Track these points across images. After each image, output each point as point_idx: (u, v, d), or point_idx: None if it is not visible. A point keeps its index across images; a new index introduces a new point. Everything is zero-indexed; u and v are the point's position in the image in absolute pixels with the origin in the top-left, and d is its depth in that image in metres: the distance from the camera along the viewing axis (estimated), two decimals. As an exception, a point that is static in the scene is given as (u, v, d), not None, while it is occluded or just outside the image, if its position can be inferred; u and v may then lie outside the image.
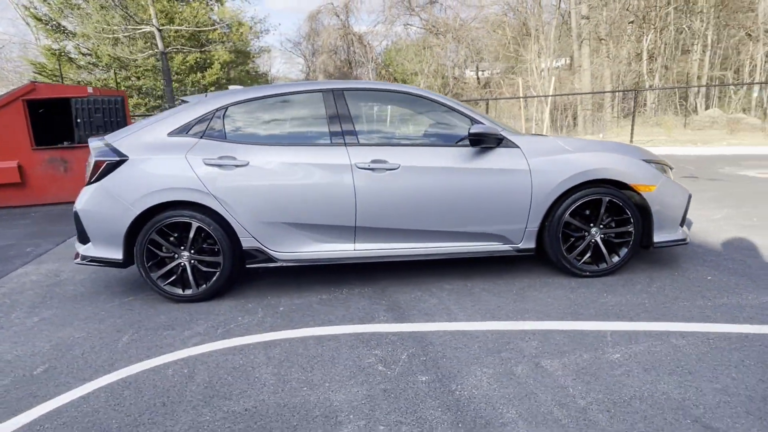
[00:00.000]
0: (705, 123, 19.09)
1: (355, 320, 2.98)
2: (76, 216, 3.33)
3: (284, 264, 3.37)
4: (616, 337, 2.61)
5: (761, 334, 2.56)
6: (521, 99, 20.33)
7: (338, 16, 26.29)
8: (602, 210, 3.38)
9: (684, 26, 23.83)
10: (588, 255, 3.46)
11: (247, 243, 3.32)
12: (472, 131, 3.22)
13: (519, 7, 27.92)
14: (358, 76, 28.14)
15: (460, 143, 3.39)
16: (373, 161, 3.26)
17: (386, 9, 26.01)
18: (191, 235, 3.29)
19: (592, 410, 2.00)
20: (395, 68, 27.34)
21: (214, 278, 3.35)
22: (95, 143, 3.40)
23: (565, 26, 27.05)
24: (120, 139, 3.36)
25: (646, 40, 21.27)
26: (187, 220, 3.26)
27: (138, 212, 3.22)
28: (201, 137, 3.31)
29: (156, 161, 3.25)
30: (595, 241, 3.44)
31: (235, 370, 2.46)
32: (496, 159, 3.32)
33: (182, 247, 3.33)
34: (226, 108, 3.37)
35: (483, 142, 3.26)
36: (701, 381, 2.17)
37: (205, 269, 3.36)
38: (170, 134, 3.33)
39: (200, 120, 3.34)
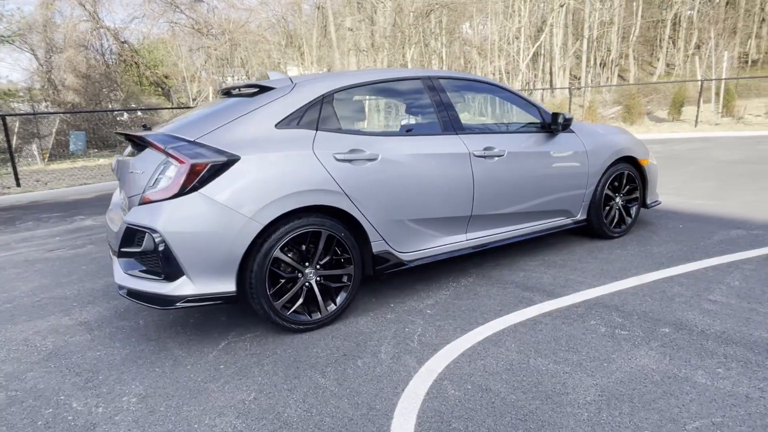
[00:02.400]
0: (461, 123, 23.08)
1: (519, 305, 3.00)
2: (163, 243, 2.39)
3: (411, 265, 3.10)
4: (711, 272, 3.35)
5: (768, 253, 3.66)
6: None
7: (84, 7, 22.18)
8: (624, 182, 4.15)
9: (429, 42, 28.24)
10: (616, 219, 4.19)
11: (377, 247, 2.94)
12: (566, 117, 3.56)
13: (286, 15, 28.55)
14: (115, 78, 24.39)
15: (527, 128, 3.67)
16: (485, 148, 3.29)
17: (145, 3, 23.23)
18: (320, 246, 2.73)
19: (798, 317, 2.64)
20: (163, 69, 24.64)
21: (345, 294, 2.86)
22: (167, 141, 2.50)
23: (328, 37, 28.80)
24: (206, 135, 2.55)
25: (410, 52, 24.46)
26: (316, 228, 2.70)
27: (263, 226, 2.53)
28: (317, 128, 2.78)
29: (279, 159, 2.59)
30: (619, 207, 4.20)
31: (509, 370, 2.27)
32: (565, 142, 3.74)
33: (306, 264, 2.74)
34: (332, 95, 2.90)
35: (568, 127, 3.64)
36: (800, 286, 3.06)
37: (334, 285, 2.84)
38: (278, 126, 2.69)
39: (309, 108, 2.80)
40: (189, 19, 24.17)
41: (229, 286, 2.52)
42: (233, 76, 26.85)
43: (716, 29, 29.71)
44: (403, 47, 25.78)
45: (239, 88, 3.24)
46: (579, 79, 31.22)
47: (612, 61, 32.80)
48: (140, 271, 2.55)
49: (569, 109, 18.74)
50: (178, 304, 2.45)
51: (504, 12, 27.47)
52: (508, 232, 3.54)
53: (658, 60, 34.66)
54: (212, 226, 2.44)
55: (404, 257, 3.06)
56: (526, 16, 25.67)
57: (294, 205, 2.60)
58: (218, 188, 2.45)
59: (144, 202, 2.49)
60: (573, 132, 3.83)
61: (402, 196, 2.97)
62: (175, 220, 2.40)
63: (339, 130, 2.85)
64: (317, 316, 2.78)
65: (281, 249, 2.61)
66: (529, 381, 2.19)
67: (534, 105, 3.72)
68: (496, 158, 3.33)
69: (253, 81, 3.03)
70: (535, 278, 3.41)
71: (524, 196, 3.52)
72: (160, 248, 2.40)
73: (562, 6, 24.73)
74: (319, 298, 2.77)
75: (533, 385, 2.15)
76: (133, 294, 2.54)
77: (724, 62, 16.45)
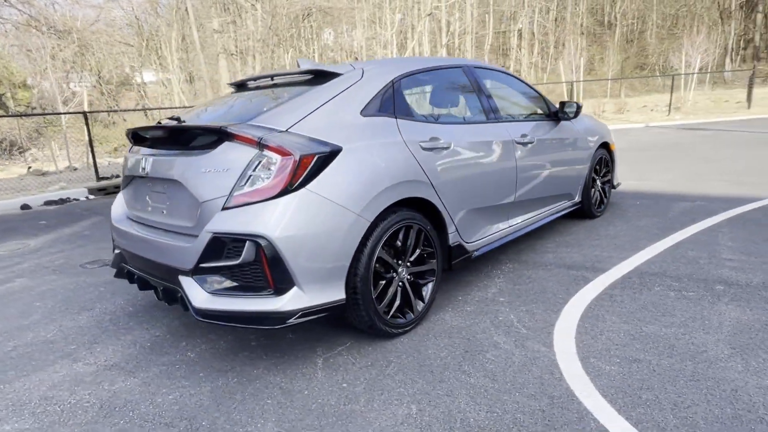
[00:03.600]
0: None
1: (579, 282, 3.11)
2: (272, 251, 2.03)
3: (474, 256, 3.04)
4: (702, 237, 3.82)
5: (753, 208, 4.30)
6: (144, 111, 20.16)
7: None
8: (602, 165, 4.55)
9: (300, 47, 27.95)
10: (598, 200, 4.57)
11: (452, 239, 2.84)
12: (579, 105, 3.77)
13: (139, 15, 26.16)
14: None
15: (540, 116, 3.84)
16: (522, 135, 3.36)
17: (-39, -6, 19.39)
18: (412, 241, 2.56)
19: (802, 264, 3.15)
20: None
21: (430, 290, 2.71)
22: (259, 131, 2.14)
23: (190, 39, 26.94)
24: (297, 124, 2.24)
25: (287, 56, 23.91)
26: (409, 222, 2.52)
27: (369, 222, 2.30)
28: (395, 116, 2.59)
29: (377, 149, 2.38)
30: (599, 188, 4.59)
31: (636, 340, 2.36)
32: (568, 129, 3.98)
33: (399, 262, 2.54)
34: (400, 80, 2.73)
35: (578, 116, 3.86)
36: (774, 241, 3.65)
37: (422, 282, 2.67)
38: (363, 113, 2.46)
39: (384, 94, 2.60)
40: (23, 14, 20.75)
41: (339, 293, 2.23)
42: (79, 82, 23.70)
43: (552, 39, 34.05)
44: (273, 51, 25.14)
45: (272, 77, 2.90)
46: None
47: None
48: (228, 289, 2.13)
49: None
50: (290, 320, 2.10)
51: (371, 19, 28.32)
52: (534, 217, 3.66)
53: (508, 67, 38.44)
54: (323, 226, 2.14)
55: (469, 248, 3.00)
56: (396, 24, 26.76)
57: (395, 198, 2.39)
58: (325, 183, 2.15)
59: (234, 205, 2.09)
60: (569, 120, 4.09)
61: (470, 185, 2.91)
62: (284, 223, 2.05)
63: (413, 118, 2.69)
64: (410, 316, 2.59)
65: (383, 246, 2.39)
66: (662, 346, 2.29)
67: (540, 95, 3.91)
68: (530, 145, 3.43)
69: (287, 70, 2.72)
70: (567, 258, 3.58)
71: (546, 181, 3.68)
72: (269, 257, 2.03)
73: (428, 15, 26.28)
74: (412, 296, 2.59)
75: (670, 349, 2.26)
76: (223, 317, 2.11)
77: (581, 67, 18.96)
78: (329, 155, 2.18)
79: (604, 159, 4.56)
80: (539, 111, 3.87)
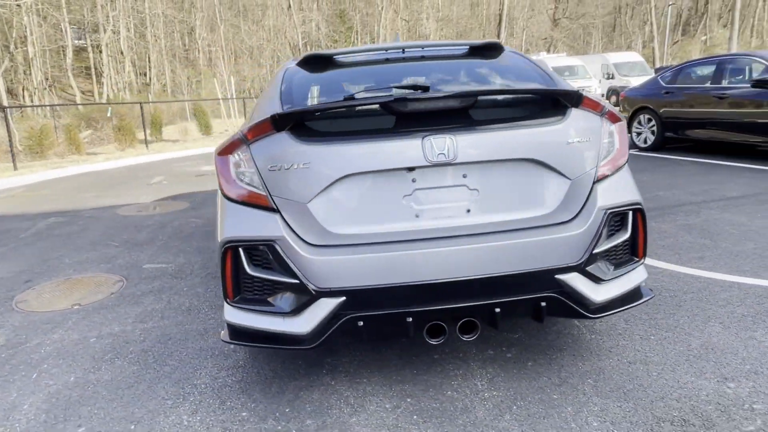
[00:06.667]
0: None
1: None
2: (643, 215, 2.01)
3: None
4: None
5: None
6: None
7: None
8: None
9: None
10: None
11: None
12: None
13: None
14: None
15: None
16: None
17: None
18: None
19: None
20: None
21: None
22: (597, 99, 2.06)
23: None
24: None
25: None
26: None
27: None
28: None
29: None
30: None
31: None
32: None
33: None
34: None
35: None
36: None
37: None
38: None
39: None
40: None
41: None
42: None
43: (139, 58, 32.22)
44: None
45: (403, 49, 2.42)
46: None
47: (46, 80, 29.62)
48: (614, 270, 1.99)
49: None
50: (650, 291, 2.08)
51: None
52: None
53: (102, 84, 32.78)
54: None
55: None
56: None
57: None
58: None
59: (601, 177, 1.94)
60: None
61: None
62: (636, 189, 2.03)
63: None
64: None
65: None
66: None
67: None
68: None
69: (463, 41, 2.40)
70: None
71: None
72: (644, 223, 2.01)
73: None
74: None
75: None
76: (616, 304, 1.97)
77: (233, 84, 18.89)
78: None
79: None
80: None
